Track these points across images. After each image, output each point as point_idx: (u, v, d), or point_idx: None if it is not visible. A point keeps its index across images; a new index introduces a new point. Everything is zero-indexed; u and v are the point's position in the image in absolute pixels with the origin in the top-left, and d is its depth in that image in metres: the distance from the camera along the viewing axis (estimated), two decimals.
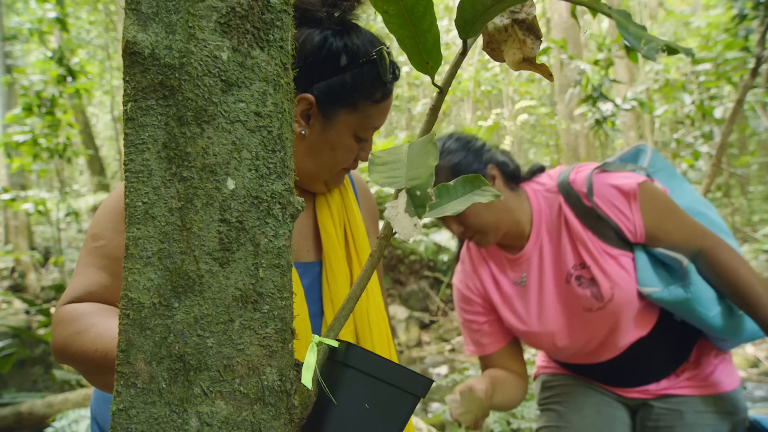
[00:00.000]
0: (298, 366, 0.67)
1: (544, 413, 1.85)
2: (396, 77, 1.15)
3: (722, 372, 1.67)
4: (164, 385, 0.60)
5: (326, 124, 1.12)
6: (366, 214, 1.32)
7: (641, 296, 1.59)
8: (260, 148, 0.64)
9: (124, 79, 0.63)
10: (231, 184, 0.62)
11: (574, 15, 2.84)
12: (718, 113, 6.15)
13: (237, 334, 0.62)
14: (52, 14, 7.06)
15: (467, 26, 0.69)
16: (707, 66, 6.34)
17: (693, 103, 6.83)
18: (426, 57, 0.71)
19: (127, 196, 0.62)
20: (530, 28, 0.72)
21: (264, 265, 0.64)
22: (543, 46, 5.27)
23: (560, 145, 10.27)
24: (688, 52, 0.57)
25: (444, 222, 1.64)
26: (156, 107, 0.62)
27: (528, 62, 0.73)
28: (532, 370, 1.98)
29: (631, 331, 1.63)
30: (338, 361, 0.70)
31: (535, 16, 0.71)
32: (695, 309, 1.53)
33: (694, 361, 1.67)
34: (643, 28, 0.60)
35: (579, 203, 1.59)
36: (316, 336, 0.71)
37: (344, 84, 1.10)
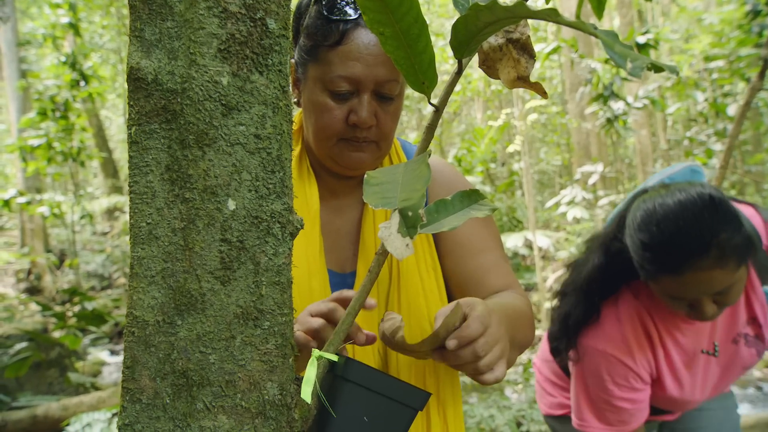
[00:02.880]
0: (299, 380, 0.69)
1: None
2: (343, 13, 1.01)
3: None
4: (168, 401, 0.62)
5: (304, 86, 1.06)
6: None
7: None
8: (260, 170, 0.66)
9: (128, 103, 0.65)
10: (231, 204, 0.64)
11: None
12: (731, 110, 6.09)
13: (238, 350, 0.64)
14: (66, 19, 7.16)
15: (462, 47, 0.70)
16: (720, 63, 6.28)
17: (706, 100, 6.77)
18: (422, 77, 0.72)
19: (132, 217, 0.65)
20: (524, 48, 0.73)
21: (264, 282, 0.66)
22: (554, 45, 5.25)
23: (571, 144, 10.23)
24: (673, 70, 0.58)
25: (693, 309, 1.30)
26: (159, 131, 0.64)
27: (522, 80, 0.74)
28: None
29: None
30: (337, 375, 0.71)
31: (529, 36, 0.72)
32: None
33: None
34: (630, 47, 0.61)
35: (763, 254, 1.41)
36: (316, 350, 0.72)
37: (299, 35, 1.04)
